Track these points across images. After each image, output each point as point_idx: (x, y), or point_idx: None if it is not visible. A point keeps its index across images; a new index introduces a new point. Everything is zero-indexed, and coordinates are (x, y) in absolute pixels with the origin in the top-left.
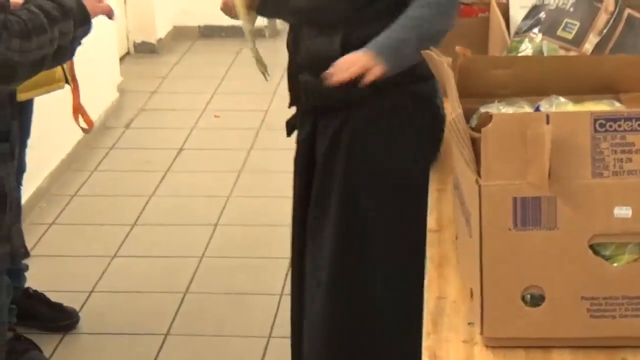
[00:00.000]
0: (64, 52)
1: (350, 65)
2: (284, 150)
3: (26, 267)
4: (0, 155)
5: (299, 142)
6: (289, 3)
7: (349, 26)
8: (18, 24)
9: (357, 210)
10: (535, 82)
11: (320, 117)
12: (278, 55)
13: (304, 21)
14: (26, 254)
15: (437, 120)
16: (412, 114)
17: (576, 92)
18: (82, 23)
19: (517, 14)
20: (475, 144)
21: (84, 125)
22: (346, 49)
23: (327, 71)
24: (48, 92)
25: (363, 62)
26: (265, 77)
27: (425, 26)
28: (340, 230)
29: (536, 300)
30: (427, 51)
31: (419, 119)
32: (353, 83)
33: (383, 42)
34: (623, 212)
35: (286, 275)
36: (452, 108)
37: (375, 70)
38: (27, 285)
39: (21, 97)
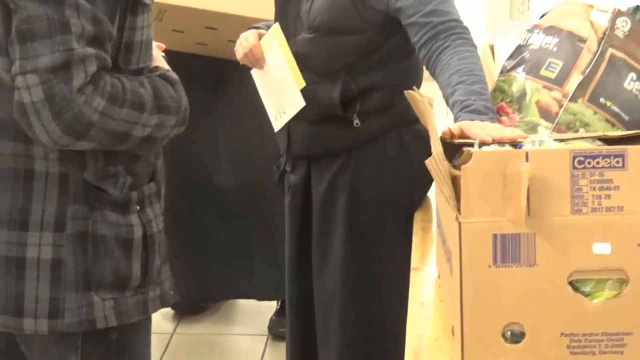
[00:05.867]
0: (153, 145)
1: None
2: None
3: None
4: (149, 196)
5: (291, 186)
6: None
7: (350, 74)
8: (114, 87)
9: (362, 246)
10: None
11: (315, 160)
12: None
13: (301, 68)
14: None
15: None
16: (415, 153)
17: None
18: (180, 124)
19: (502, 55)
20: (456, 181)
21: None
22: (345, 96)
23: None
24: None
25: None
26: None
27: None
28: (347, 268)
29: (516, 337)
30: (410, 91)
31: (420, 157)
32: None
33: (489, 106)
34: (602, 248)
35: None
36: (432, 146)
37: None
38: None
39: None
